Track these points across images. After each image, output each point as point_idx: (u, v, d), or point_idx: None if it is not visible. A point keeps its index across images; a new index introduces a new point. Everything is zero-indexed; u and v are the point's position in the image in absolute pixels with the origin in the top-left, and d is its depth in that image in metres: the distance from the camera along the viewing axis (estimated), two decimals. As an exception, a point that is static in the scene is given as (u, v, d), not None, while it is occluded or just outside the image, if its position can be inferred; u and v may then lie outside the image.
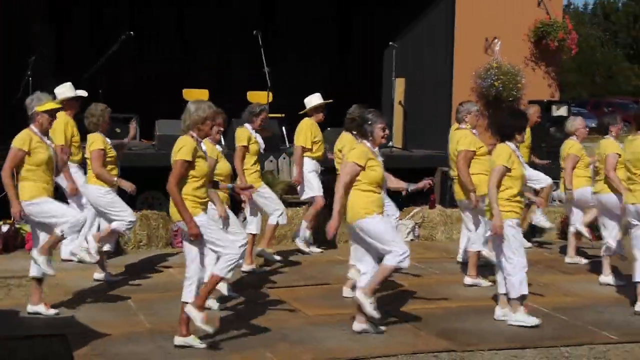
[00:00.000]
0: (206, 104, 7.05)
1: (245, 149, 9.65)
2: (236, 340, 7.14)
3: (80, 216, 7.87)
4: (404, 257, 7.29)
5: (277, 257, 10.35)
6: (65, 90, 9.87)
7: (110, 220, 8.97)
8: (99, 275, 9.25)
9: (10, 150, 7.60)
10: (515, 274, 7.70)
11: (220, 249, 6.88)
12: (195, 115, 6.92)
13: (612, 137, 9.60)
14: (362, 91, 15.64)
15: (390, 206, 9.17)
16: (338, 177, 7.36)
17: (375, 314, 7.32)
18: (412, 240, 12.39)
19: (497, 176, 7.67)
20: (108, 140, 9.18)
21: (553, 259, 11.12)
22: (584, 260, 10.74)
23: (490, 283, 9.20)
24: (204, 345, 6.85)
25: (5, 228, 10.74)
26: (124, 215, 8.99)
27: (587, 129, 10.66)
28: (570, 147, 10.44)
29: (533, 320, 7.74)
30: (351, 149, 7.44)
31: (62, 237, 7.80)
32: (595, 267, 10.22)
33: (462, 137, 9.35)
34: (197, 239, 6.81)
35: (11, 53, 12.28)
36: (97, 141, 8.96)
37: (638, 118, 8.50)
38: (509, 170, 7.68)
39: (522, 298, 7.79)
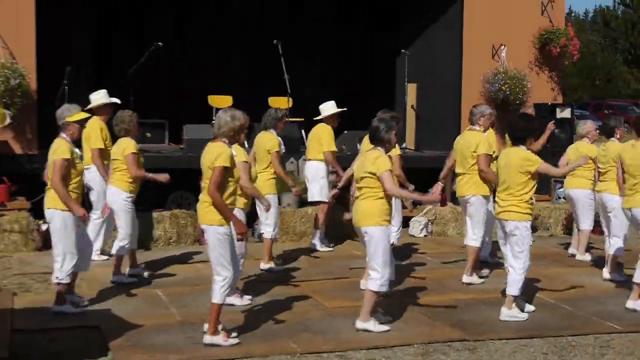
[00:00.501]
0: (240, 112, 6.99)
1: (278, 154, 9.64)
2: (262, 331, 7.17)
3: (67, 261, 7.65)
4: (383, 282, 7.21)
5: (282, 268, 9.90)
6: (100, 97, 9.89)
7: (116, 223, 9.04)
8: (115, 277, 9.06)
9: (54, 162, 7.48)
10: (521, 273, 7.69)
11: (220, 269, 6.79)
12: (232, 123, 6.85)
13: (616, 139, 9.55)
14: (372, 94, 15.66)
15: (396, 219, 9.15)
16: (391, 187, 7.12)
17: (384, 328, 7.27)
18: (425, 236, 12.39)
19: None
20: (137, 145, 9.20)
21: (557, 253, 11.08)
22: (589, 257, 10.62)
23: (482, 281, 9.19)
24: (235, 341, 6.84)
25: (45, 227, 10.79)
26: (126, 229, 8.92)
27: (598, 131, 10.54)
28: (588, 150, 10.14)
29: (523, 316, 7.74)
30: (378, 157, 7.19)
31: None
32: (598, 261, 10.18)
33: (483, 141, 9.07)
34: (245, 236, 6.79)
35: (49, 62, 12.34)
36: (130, 146, 8.93)
37: (638, 124, 8.36)
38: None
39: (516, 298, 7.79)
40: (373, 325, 7.25)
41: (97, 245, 9.76)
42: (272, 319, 7.56)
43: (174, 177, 9.41)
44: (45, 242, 10.70)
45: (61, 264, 7.62)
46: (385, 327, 7.27)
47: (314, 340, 6.96)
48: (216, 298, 6.79)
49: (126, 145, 8.94)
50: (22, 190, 11.39)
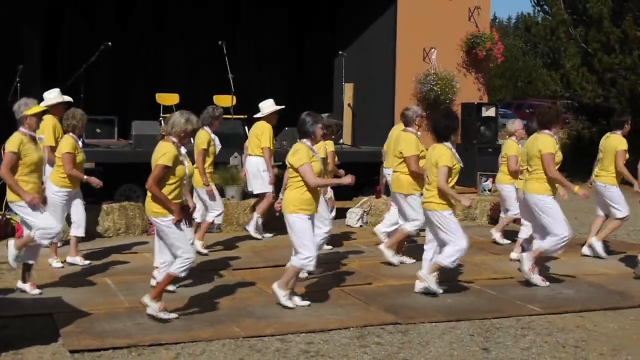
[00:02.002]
0: (195, 118, 6.94)
1: (206, 151, 9.55)
2: (207, 317, 7.09)
3: (55, 228, 7.68)
4: (308, 261, 7.29)
5: (205, 251, 9.89)
6: (54, 96, 9.62)
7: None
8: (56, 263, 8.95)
9: (5, 154, 7.43)
10: (452, 248, 7.78)
11: (179, 251, 6.78)
12: (185, 126, 6.79)
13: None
14: (313, 93, 15.62)
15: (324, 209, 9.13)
16: (310, 180, 7.17)
17: (291, 305, 7.38)
18: (361, 226, 12.43)
19: (445, 176, 7.71)
20: (80, 144, 9.01)
21: (483, 242, 11.19)
22: (506, 241, 10.84)
23: (413, 260, 9.25)
24: (174, 316, 6.84)
25: (-2, 218, 10.56)
26: (54, 223, 8.44)
27: (524, 130, 10.60)
28: (509, 147, 10.39)
29: (437, 290, 7.87)
30: (297, 150, 7.29)
31: (34, 240, 7.66)
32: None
33: (410, 142, 9.14)
34: (180, 222, 6.75)
35: (1, 61, 12.04)
36: (67, 145, 8.72)
37: (541, 118, 8.50)
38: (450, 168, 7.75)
39: (441, 269, 7.91)
40: (283, 298, 7.37)
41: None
42: (216, 305, 7.49)
43: (123, 171, 9.29)
44: (-2, 233, 10.48)
45: (49, 229, 7.60)
46: (291, 305, 7.37)
47: (257, 325, 6.91)
48: (172, 269, 6.83)
49: (64, 143, 8.76)
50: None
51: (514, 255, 9.77)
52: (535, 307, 7.70)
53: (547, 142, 8.30)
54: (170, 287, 7.87)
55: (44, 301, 7.60)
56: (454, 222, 7.86)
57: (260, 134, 10.69)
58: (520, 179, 9.62)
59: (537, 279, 8.42)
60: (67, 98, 9.83)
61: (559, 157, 8.43)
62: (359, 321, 7.10)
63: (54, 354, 6.13)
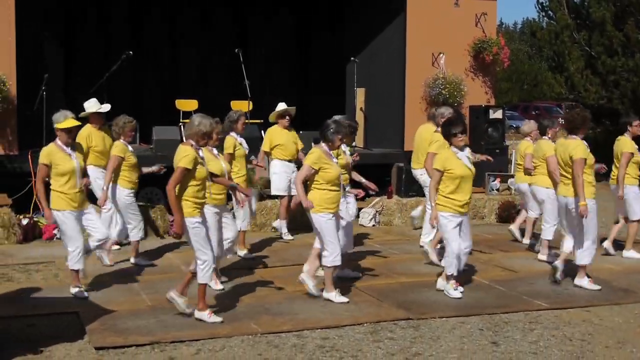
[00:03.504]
0: (209, 120, 6.94)
1: (231, 156, 9.54)
2: (226, 314, 7.09)
3: (104, 232, 7.92)
4: (334, 257, 7.48)
5: (252, 255, 9.91)
6: (90, 105, 9.69)
7: (125, 218, 9.11)
8: (134, 259, 9.24)
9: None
10: (449, 255, 7.74)
11: (199, 253, 6.83)
12: (196, 129, 6.82)
13: (547, 138, 9.57)
14: (326, 98, 15.58)
15: (350, 204, 9.05)
16: (296, 177, 7.58)
17: (344, 299, 7.55)
18: (373, 225, 12.40)
19: (437, 180, 7.71)
20: (130, 147, 9.11)
21: (492, 239, 11.15)
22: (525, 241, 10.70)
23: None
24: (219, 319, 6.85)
25: (25, 221, 10.61)
26: (135, 218, 9.09)
27: (538, 132, 10.43)
28: (526, 147, 10.22)
29: (455, 294, 7.76)
30: (311, 153, 7.55)
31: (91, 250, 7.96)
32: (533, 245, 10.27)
33: (435, 141, 9.01)
34: (179, 237, 6.87)
35: (26, 70, 12.08)
36: (115, 149, 8.99)
37: (569, 123, 8.34)
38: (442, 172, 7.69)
39: (452, 276, 7.84)
40: (335, 296, 7.53)
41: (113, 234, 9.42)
42: (234, 303, 7.50)
43: (144, 175, 9.33)
44: (25, 236, 10.53)
45: (71, 254, 7.65)
46: (345, 299, 7.54)
47: (274, 322, 6.91)
48: (199, 279, 6.87)
49: (114, 147, 9.06)
50: (4, 187, 11.15)
51: (541, 257, 9.64)
52: (543, 302, 7.67)
53: (578, 148, 8.05)
54: (219, 287, 7.99)
55: (70, 300, 7.62)
56: (449, 225, 7.74)
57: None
58: (533, 175, 9.55)
59: (592, 285, 8.24)
60: (104, 107, 9.84)
61: (591, 159, 8.23)
62: (372, 317, 7.09)
63: (80, 351, 6.15)
